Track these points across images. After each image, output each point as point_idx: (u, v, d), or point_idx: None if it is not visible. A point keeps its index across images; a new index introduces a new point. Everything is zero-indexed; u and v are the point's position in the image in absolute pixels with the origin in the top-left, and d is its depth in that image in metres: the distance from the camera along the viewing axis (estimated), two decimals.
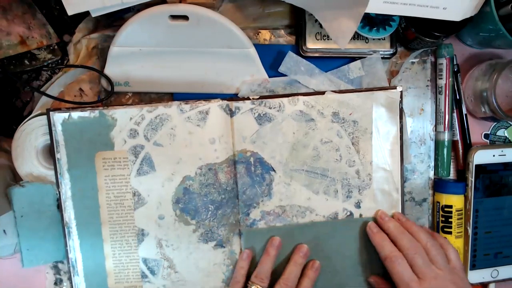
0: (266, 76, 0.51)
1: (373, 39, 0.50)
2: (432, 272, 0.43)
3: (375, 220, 0.49)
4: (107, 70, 0.49)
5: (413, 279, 0.43)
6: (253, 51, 0.49)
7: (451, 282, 0.43)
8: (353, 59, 0.51)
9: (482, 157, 0.51)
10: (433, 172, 0.53)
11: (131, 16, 0.46)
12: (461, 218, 0.52)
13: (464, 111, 0.53)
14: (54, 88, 0.50)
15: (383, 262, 0.45)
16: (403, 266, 0.43)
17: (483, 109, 0.51)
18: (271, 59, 0.51)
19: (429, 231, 0.50)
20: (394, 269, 0.44)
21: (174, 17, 0.45)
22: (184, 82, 0.50)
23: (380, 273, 0.49)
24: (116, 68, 0.49)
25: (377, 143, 0.49)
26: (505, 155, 0.52)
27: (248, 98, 0.49)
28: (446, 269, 0.44)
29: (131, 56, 0.49)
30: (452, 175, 0.54)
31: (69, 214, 0.49)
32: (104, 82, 0.50)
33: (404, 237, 0.45)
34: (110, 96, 0.50)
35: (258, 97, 0.49)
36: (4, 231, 0.50)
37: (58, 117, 0.48)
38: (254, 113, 0.49)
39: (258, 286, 0.46)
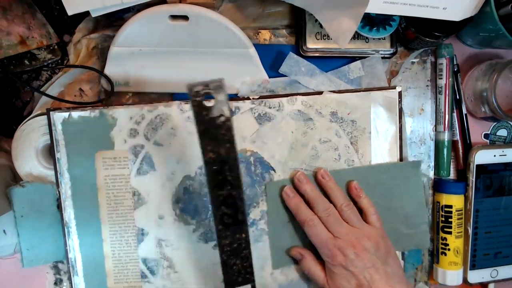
0: (266, 76, 0.50)
1: (373, 39, 0.50)
2: (345, 229, 0.44)
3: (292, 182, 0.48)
4: (107, 70, 0.50)
5: (329, 237, 0.44)
6: (253, 51, 0.49)
7: (365, 236, 0.44)
8: (353, 59, 0.51)
9: (483, 157, 0.51)
10: (433, 172, 0.53)
11: (131, 16, 0.46)
12: (461, 218, 0.51)
13: (464, 111, 0.53)
14: (54, 88, 0.51)
15: (301, 227, 0.46)
16: (319, 227, 0.45)
17: (483, 109, 0.51)
18: (271, 59, 0.51)
19: (356, 191, 0.48)
20: (311, 232, 0.45)
21: (174, 17, 0.45)
22: (184, 82, 0.50)
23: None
24: (116, 68, 0.49)
25: (376, 143, 0.49)
26: (506, 155, 0.52)
27: (248, 98, 0.49)
28: (360, 226, 0.45)
29: (131, 56, 0.49)
30: (452, 175, 0.54)
31: (69, 213, 0.49)
32: (104, 82, 0.51)
33: (319, 200, 0.46)
34: (110, 96, 0.50)
35: (258, 97, 0.49)
36: (4, 231, 0.50)
37: (58, 117, 0.48)
38: (254, 113, 0.49)
39: None
